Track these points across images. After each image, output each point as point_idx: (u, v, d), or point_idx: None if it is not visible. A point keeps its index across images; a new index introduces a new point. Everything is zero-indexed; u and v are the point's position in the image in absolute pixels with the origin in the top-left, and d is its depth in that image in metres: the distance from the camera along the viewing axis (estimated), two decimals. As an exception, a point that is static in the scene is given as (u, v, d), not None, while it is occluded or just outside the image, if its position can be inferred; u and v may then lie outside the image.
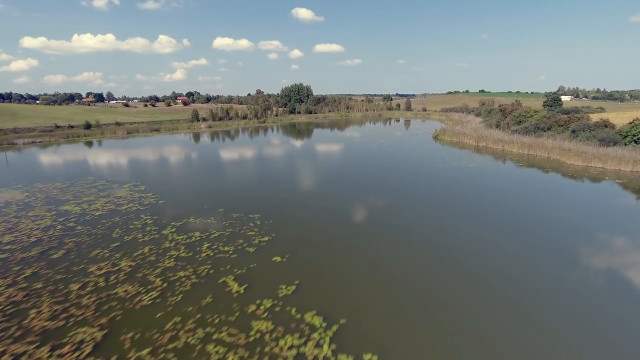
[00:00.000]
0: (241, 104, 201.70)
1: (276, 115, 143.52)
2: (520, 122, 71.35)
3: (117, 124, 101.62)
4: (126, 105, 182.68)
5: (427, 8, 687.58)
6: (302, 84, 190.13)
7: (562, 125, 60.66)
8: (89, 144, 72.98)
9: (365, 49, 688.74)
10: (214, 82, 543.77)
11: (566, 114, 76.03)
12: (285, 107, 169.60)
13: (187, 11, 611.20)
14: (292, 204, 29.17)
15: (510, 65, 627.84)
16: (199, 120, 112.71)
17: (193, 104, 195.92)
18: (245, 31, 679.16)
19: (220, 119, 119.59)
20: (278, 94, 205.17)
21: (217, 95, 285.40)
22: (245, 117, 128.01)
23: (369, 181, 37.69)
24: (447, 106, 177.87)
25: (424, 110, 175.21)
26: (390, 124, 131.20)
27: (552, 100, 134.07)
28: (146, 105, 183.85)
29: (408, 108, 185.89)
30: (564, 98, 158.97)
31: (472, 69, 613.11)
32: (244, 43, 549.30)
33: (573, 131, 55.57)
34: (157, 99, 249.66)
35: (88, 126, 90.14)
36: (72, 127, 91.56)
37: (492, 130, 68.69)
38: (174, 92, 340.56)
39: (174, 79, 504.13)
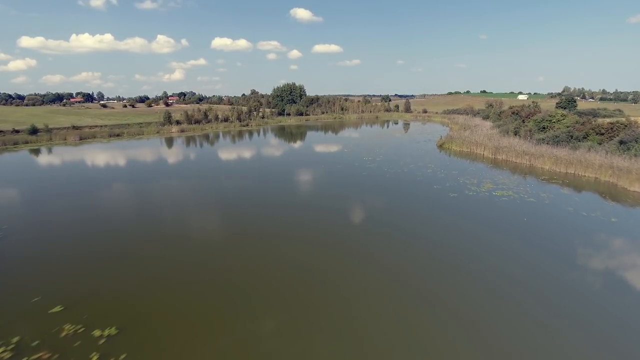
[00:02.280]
0: (232, 104, 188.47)
1: (262, 117, 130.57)
2: (544, 128, 58.71)
3: (74, 127, 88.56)
4: (104, 106, 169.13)
5: (426, 8, 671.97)
6: (294, 84, 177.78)
7: (602, 134, 48.01)
8: (21, 154, 59.97)
9: (364, 49, 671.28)
10: (213, 83, 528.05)
11: (606, 117, 63.36)
12: (277, 107, 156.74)
13: (185, 11, 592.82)
14: (195, 301, 15.93)
15: (510, 65, 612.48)
16: (171, 123, 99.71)
17: (182, 105, 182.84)
18: (244, 31, 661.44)
19: (197, 121, 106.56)
20: (270, 94, 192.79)
21: (213, 95, 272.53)
22: (226, 120, 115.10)
23: (344, 234, 24.86)
24: (449, 107, 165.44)
25: (425, 112, 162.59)
26: (387, 126, 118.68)
27: (567, 102, 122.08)
28: (125, 106, 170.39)
29: (407, 109, 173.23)
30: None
31: (471, 69, 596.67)
32: (242, 43, 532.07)
33: (622, 142, 42.87)
34: (147, 99, 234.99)
35: (34, 131, 77.05)
36: (17, 132, 78.52)
37: (510, 139, 55.96)
38: (165, 92, 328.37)
39: (172, 79, 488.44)
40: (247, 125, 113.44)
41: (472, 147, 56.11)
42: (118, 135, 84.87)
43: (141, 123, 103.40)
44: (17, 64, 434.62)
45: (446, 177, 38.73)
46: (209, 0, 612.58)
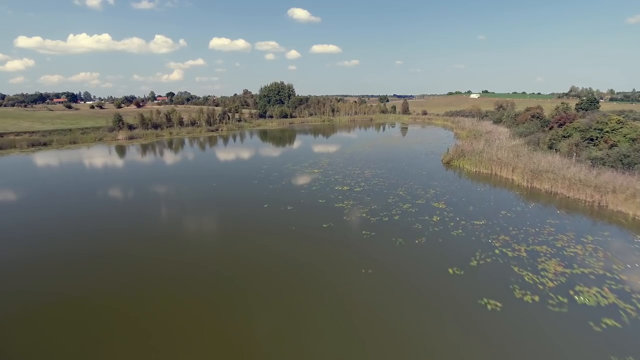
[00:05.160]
0: (217, 105, 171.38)
1: (239, 120, 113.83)
2: (591, 140, 42.44)
3: (-5, 134, 71.84)
4: (69, 107, 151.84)
5: (425, 8, 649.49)
6: (283, 83, 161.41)
7: (697, 153, 31.63)
8: None
9: (363, 50, 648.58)
10: (211, 83, 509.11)
11: (636, 120, 46.74)
12: (262, 108, 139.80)
13: (183, 11, 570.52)
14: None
15: (509, 66, 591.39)
16: (121, 128, 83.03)
17: (160, 106, 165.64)
18: (242, 31, 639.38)
19: (156, 126, 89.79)
20: (257, 94, 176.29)
21: (208, 95, 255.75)
22: (193, 124, 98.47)
23: None
24: (451, 109, 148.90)
25: (424, 113, 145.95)
26: (383, 130, 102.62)
27: (588, 102, 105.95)
28: (93, 107, 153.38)
29: (405, 111, 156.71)
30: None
31: (470, 69, 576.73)
32: (240, 43, 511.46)
33: None
34: (133, 99, 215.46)
35: None
36: None
37: (548, 156, 39.51)
38: (152, 93, 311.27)
39: (171, 79, 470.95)
40: (217, 130, 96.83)
41: (494, 166, 39.79)
42: (45, 144, 68.23)
43: (87, 128, 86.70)
44: (14, 64, 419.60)
45: (467, 235, 22.28)
46: (206, 0, 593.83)
